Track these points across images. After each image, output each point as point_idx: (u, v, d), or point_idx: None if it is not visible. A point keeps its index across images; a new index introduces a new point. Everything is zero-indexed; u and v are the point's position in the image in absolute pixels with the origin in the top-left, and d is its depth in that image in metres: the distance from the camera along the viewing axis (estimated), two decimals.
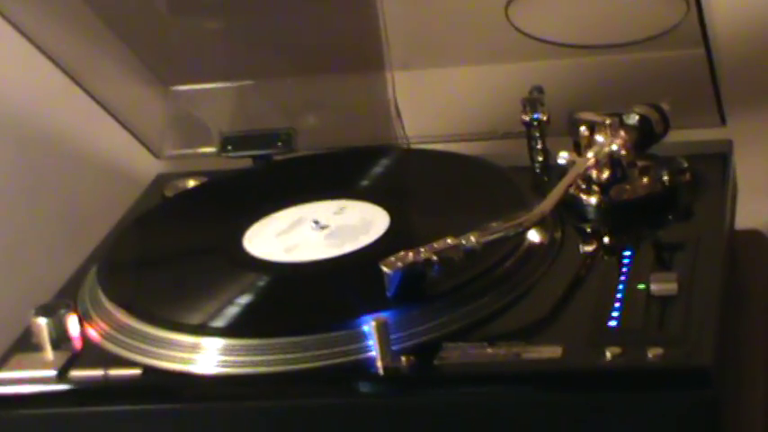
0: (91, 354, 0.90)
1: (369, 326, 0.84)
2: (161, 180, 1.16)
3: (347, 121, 1.17)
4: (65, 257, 1.06)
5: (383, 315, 0.84)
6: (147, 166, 1.19)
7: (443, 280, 0.88)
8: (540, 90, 1.08)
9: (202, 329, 0.88)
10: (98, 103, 1.12)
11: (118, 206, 1.13)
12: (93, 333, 0.92)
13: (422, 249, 0.87)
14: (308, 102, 1.18)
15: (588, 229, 0.99)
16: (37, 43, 1.08)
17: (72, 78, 1.11)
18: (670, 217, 0.99)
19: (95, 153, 1.22)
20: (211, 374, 0.87)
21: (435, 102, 1.16)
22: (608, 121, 0.99)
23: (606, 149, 0.99)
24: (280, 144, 1.16)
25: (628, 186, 0.99)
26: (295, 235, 0.99)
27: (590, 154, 0.99)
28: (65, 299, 0.95)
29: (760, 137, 1.16)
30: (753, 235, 1.09)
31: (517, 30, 1.08)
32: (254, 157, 1.16)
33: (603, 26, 1.07)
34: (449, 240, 0.88)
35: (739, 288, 0.99)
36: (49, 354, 0.90)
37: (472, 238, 0.89)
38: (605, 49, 1.07)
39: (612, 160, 0.99)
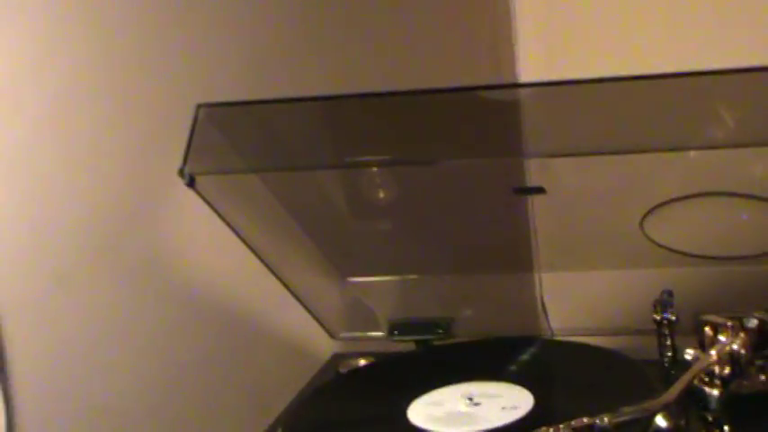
0: None
1: None
2: (336, 358, 1.32)
3: (500, 314, 1.31)
4: (250, 426, 1.21)
5: None
6: (323, 346, 1.36)
7: None
8: (669, 293, 1.20)
9: None
10: (287, 288, 1.29)
11: (296, 380, 1.29)
12: None
13: (561, 426, 1.00)
14: (464, 296, 1.33)
15: (710, 419, 1.09)
16: (242, 236, 1.25)
17: (267, 266, 1.27)
18: None
19: (279, 333, 1.37)
20: None
21: (577, 300, 1.30)
22: (730, 324, 1.11)
23: (727, 348, 1.10)
24: (440, 331, 1.31)
25: (746, 382, 1.10)
26: (453, 409, 1.13)
27: (713, 351, 1.10)
28: None
29: None
30: None
31: (651, 241, 1.22)
32: (417, 341, 1.32)
33: (727, 240, 1.20)
34: (584, 419, 1.00)
35: None
36: None
37: (605, 419, 1.01)
38: (729, 260, 1.20)
39: (733, 358, 1.10)
